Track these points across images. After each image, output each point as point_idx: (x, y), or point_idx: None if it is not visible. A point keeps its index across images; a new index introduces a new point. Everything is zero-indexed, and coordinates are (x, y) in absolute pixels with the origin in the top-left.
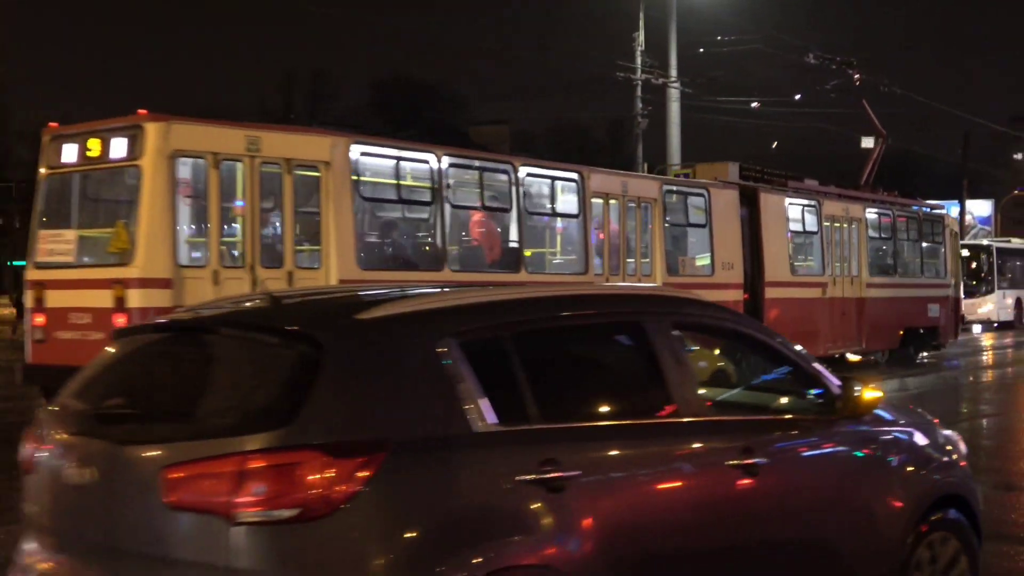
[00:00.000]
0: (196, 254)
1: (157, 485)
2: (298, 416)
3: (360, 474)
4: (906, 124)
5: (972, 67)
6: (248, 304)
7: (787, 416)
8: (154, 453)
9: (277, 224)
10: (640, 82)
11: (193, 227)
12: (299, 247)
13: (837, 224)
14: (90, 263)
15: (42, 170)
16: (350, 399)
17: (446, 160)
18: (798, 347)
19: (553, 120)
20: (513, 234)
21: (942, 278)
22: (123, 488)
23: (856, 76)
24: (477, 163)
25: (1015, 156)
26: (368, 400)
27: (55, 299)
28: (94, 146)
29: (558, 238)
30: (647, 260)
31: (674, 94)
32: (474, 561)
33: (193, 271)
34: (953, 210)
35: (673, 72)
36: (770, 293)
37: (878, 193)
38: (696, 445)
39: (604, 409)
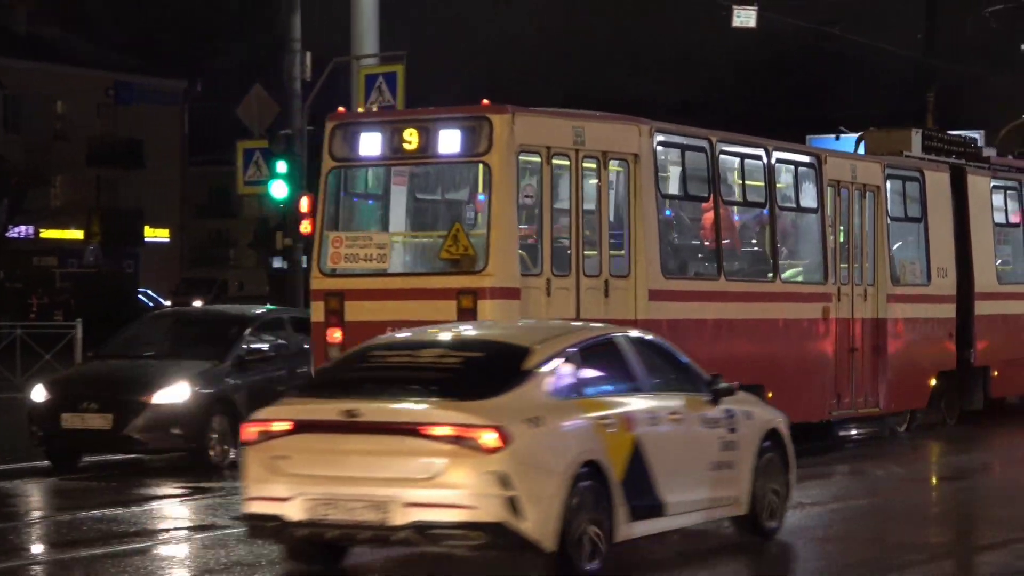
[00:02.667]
0: (534, 262)
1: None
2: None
3: None
4: None
5: None
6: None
7: None
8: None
9: (597, 228)
10: None
11: (530, 231)
12: (613, 253)
13: None
14: (413, 271)
15: (329, 163)
16: None
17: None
18: None
19: None
20: (769, 235)
21: None
22: None
23: None
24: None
25: None
26: None
27: (359, 311)
28: (412, 138)
29: (790, 238)
30: (864, 265)
31: None
32: None
33: (531, 279)
34: None
35: None
36: (980, 309)
37: None
38: None
39: None
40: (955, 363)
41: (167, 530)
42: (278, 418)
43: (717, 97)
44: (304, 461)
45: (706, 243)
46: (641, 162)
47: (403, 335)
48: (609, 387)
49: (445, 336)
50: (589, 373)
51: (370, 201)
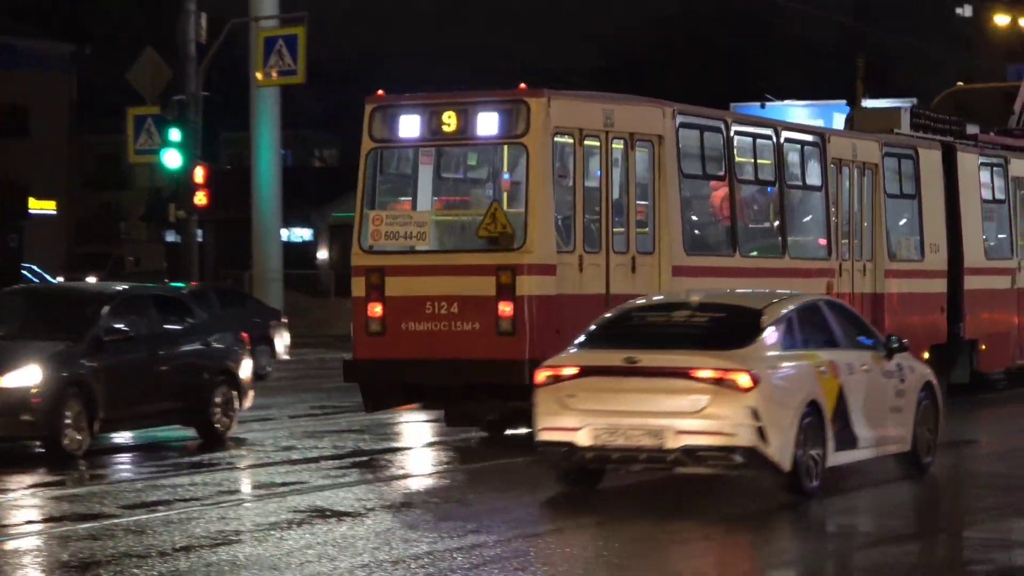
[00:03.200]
0: (567, 239)
1: None
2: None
3: None
4: None
5: None
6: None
7: None
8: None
9: (624, 207)
10: None
11: (565, 210)
12: (639, 230)
13: (1022, 189)
14: (451, 248)
15: (366, 143)
16: None
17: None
18: None
19: None
20: (778, 213)
21: None
22: None
23: None
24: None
25: None
26: None
27: (399, 287)
28: (451, 120)
29: (798, 215)
30: (863, 241)
31: None
32: None
33: (565, 256)
34: None
35: None
36: (969, 283)
37: None
38: None
39: None
40: (946, 337)
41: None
42: (567, 364)
43: (638, 64)
44: (590, 399)
45: (723, 221)
46: (665, 143)
47: (655, 299)
48: (818, 342)
49: (689, 301)
50: (804, 331)
51: (416, 181)
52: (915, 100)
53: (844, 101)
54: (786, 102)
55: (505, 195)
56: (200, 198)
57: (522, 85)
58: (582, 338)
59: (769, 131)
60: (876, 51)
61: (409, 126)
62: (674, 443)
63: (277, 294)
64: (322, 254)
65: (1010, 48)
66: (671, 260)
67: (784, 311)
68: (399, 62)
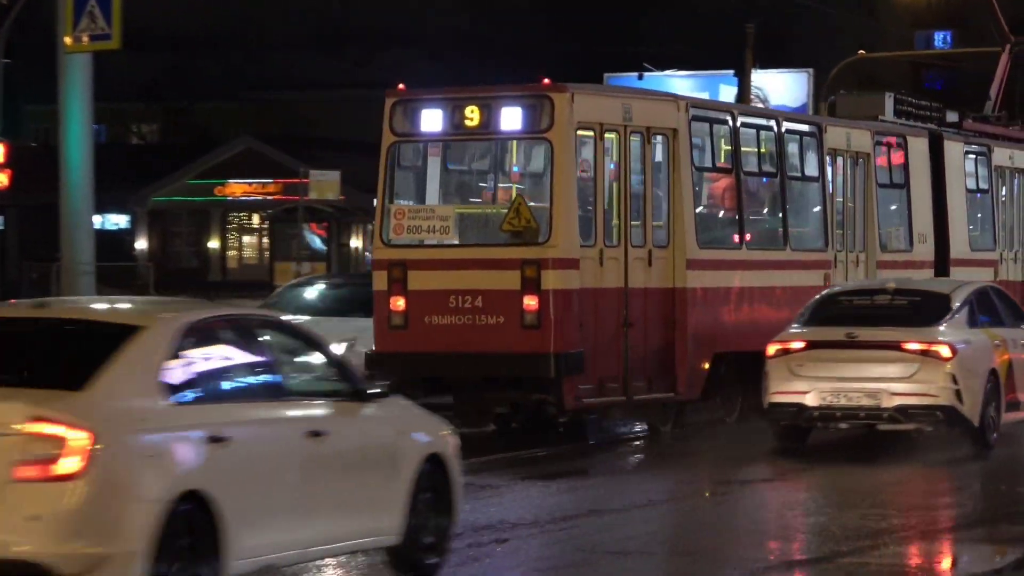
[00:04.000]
0: (588, 233)
1: None
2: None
3: None
4: None
5: None
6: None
7: None
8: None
9: (641, 201)
10: None
11: (586, 204)
12: (655, 224)
13: (1004, 179)
14: (474, 242)
15: (387, 137)
16: None
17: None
18: None
19: None
20: (780, 205)
21: None
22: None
23: None
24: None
25: None
26: None
27: (421, 280)
28: (474, 115)
29: (798, 207)
30: (856, 231)
31: None
32: None
33: (587, 250)
34: None
35: None
36: (955, 275)
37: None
38: None
39: None
40: None
41: None
42: (795, 339)
43: (508, 31)
44: (815, 367)
45: (730, 214)
46: (679, 137)
47: (853, 286)
48: (988, 320)
49: (886, 287)
50: (981, 311)
51: (439, 175)
52: (811, 71)
53: (732, 72)
54: (667, 72)
55: (514, 188)
56: (1, 179)
57: (545, 80)
58: (802, 318)
59: (771, 122)
60: (768, 17)
61: (431, 120)
62: (889, 403)
63: (89, 289)
64: (140, 244)
65: (916, 14)
66: (685, 253)
67: (966, 294)
68: (213, 15)
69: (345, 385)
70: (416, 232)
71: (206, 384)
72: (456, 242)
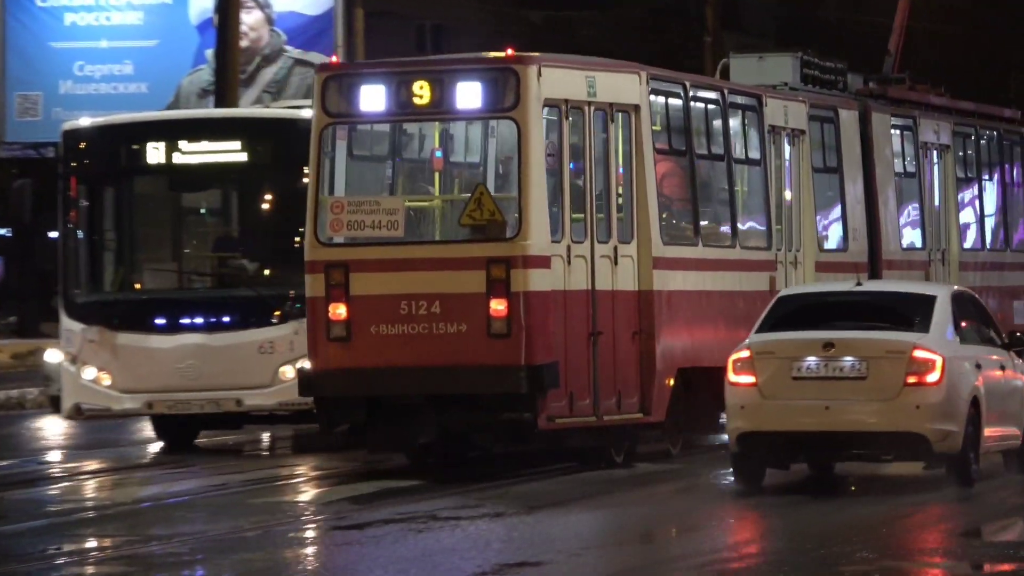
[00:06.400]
0: (556, 228)
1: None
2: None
3: None
4: None
5: None
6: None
7: None
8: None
9: (606, 190)
10: None
11: (553, 194)
12: (620, 215)
13: (929, 158)
14: (430, 239)
15: (319, 118)
16: None
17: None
18: None
19: None
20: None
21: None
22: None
23: None
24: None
25: None
26: None
27: (366, 284)
28: (423, 91)
29: (745, 197)
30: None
31: None
32: None
33: (555, 247)
34: None
35: None
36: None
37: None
38: None
39: None
40: None
41: None
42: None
43: None
44: None
45: (687, 205)
46: (641, 114)
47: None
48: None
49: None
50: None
51: (382, 162)
52: None
53: None
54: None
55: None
56: None
57: (510, 51)
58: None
59: (716, 95)
60: None
61: (372, 98)
62: None
63: None
64: None
65: None
66: (651, 251)
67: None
68: None
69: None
70: (358, 228)
71: (966, 330)
72: (406, 239)
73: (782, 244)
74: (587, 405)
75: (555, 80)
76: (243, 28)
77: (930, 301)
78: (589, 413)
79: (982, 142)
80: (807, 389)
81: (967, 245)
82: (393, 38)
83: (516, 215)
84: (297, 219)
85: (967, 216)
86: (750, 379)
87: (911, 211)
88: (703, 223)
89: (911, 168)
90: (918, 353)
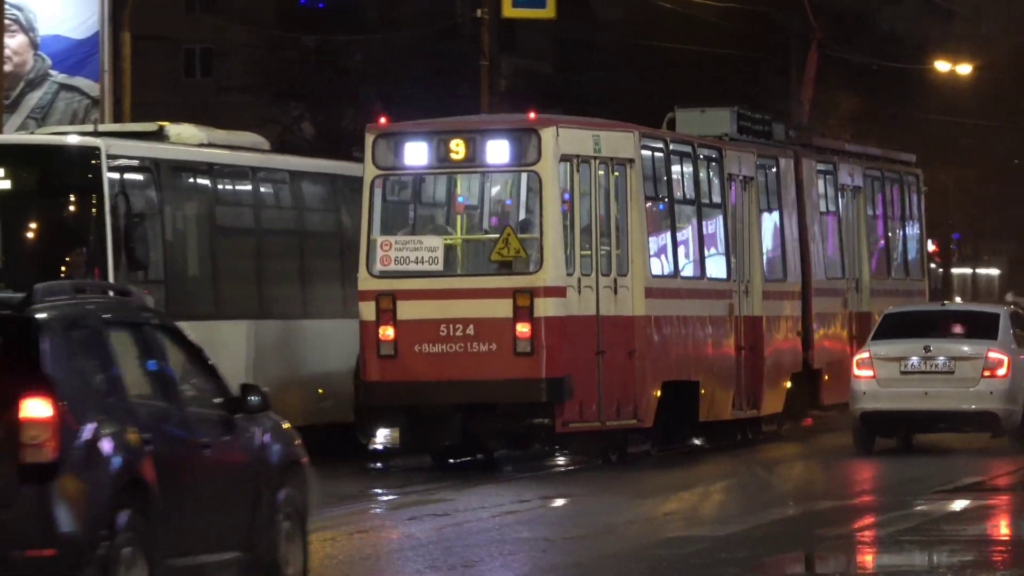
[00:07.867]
0: (569, 263)
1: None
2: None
3: None
4: None
5: None
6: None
7: None
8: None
9: (608, 231)
10: None
11: (566, 235)
12: (617, 252)
13: (846, 199)
14: (465, 272)
15: (370, 170)
16: None
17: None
18: None
19: None
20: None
21: (919, 278)
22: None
23: None
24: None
25: None
26: None
27: (411, 310)
28: (459, 148)
29: (709, 235)
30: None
31: None
32: None
33: (569, 279)
34: None
35: None
36: (817, 306)
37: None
38: None
39: None
40: (802, 365)
41: None
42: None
43: None
44: None
45: (666, 242)
46: (635, 166)
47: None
48: None
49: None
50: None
51: (427, 207)
52: None
53: None
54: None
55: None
56: None
57: (531, 115)
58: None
59: (687, 148)
60: None
61: (415, 154)
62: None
63: None
64: None
65: None
66: (643, 283)
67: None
68: None
69: None
70: (404, 263)
71: (1019, 337)
72: (445, 272)
73: (736, 275)
74: (593, 412)
75: (569, 138)
76: (7, 52)
77: (996, 317)
78: (595, 419)
79: (887, 183)
80: (911, 380)
81: (876, 273)
82: (162, 62)
83: (538, 252)
84: (64, 245)
85: (875, 248)
86: (870, 373)
87: (832, 245)
88: (681, 258)
89: (832, 207)
90: (991, 354)
